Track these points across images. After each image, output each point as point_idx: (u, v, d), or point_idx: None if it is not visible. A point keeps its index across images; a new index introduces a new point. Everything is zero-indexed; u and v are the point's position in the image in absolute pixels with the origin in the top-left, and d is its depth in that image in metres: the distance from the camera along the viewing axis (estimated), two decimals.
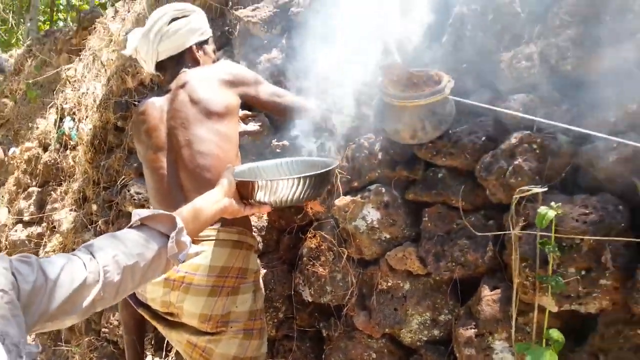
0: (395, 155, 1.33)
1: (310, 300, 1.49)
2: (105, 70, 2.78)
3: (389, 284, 1.33)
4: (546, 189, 0.98)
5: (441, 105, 1.20)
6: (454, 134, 1.23)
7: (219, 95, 1.37)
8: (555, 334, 0.95)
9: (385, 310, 1.31)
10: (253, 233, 1.53)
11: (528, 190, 0.97)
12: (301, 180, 1.04)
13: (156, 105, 1.44)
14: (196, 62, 1.47)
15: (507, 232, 1.05)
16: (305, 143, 1.50)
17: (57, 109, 3.33)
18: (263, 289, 1.49)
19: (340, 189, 1.40)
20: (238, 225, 1.32)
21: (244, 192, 1.04)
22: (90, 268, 0.72)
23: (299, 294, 1.53)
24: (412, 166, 1.32)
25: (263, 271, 1.63)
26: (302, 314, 1.54)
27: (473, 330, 1.15)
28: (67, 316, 0.69)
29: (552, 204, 0.94)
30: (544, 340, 0.97)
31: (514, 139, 1.12)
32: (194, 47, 1.47)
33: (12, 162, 3.42)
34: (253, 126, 1.77)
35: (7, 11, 16.14)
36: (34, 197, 3.10)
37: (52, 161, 3.04)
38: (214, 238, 1.29)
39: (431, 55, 1.35)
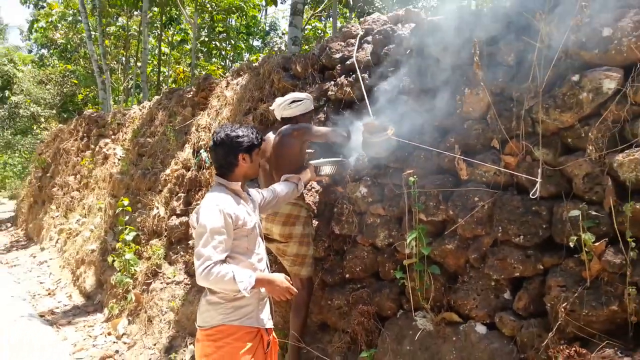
0: (371, 162, 2.97)
1: (338, 232, 3.13)
2: (228, 121, 4.67)
3: (371, 221, 2.94)
4: (412, 170, 2.57)
5: (387, 141, 2.80)
6: (396, 153, 2.84)
7: (289, 138, 3.02)
8: (421, 225, 2.51)
9: (369, 231, 2.92)
10: (307, 202, 3.23)
11: (410, 173, 2.56)
12: (334, 166, 2.89)
13: (270, 137, 3.17)
14: (297, 122, 3.15)
15: (406, 190, 2.63)
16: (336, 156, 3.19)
17: (192, 144, 5.33)
18: (311, 225, 3.15)
19: (349, 178, 3.06)
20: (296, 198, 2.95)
21: (315, 170, 2.84)
22: (265, 195, 2.52)
23: (333, 231, 3.18)
24: (379, 167, 2.94)
25: (316, 222, 3.31)
26: (334, 242, 3.19)
27: (402, 235, 2.72)
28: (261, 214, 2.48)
29: (415, 176, 2.52)
30: (419, 228, 2.52)
31: (414, 154, 2.72)
32: (299, 116, 3.14)
33: (167, 178, 5.44)
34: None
35: (115, 62, 19.64)
36: (182, 199, 5.06)
37: (193, 177, 4.98)
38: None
39: (395, 118, 2.99)
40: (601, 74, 2.02)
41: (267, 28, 20.38)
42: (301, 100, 3.09)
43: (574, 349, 1.81)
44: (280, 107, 3.10)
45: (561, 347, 1.84)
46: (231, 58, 18.10)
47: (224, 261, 2.07)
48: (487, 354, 2.20)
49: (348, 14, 14.08)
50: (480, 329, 2.28)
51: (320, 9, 14.55)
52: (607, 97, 2.02)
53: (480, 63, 2.49)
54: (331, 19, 13.29)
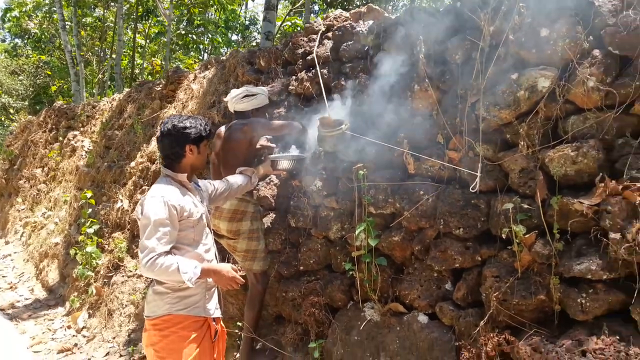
0: (326, 157, 3.00)
1: (294, 225, 3.16)
2: (192, 114, 4.64)
3: (325, 214, 2.97)
4: (361, 164, 2.61)
5: (342, 136, 2.84)
6: (350, 147, 2.88)
7: (238, 133, 3.02)
8: (370, 218, 2.56)
9: (323, 224, 2.96)
10: (265, 195, 3.25)
11: (359, 167, 2.60)
12: (292, 161, 2.85)
13: (221, 130, 3.16)
14: (249, 117, 3.16)
15: (356, 184, 2.67)
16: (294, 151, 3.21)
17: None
18: (259, 220, 3.14)
19: (306, 172, 3.08)
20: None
21: (273, 164, 2.82)
22: (217, 185, 2.51)
23: (289, 224, 3.20)
24: (335, 161, 2.98)
25: (273, 215, 3.33)
26: (291, 234, 3.22)
27: (353, 228, 2.77)
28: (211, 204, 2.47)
29: (365, 170, 2.57)
30: (367, 221, 2.56)
31: (367, 149, 2.76)
32: (252, 110, 3.16)
33: (131, 171, 5.38)
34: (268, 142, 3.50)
35: (91, 54, 19.23)
36: (145, 192, 5.00)
37: (157, 170, 4.93)
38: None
39: (350, 113, 3.03)
40: (537, 73, 2.10)
41: (247, 22, 20.21)
42: (254, 95, 3.09)
43: (503, 336, 1.88)
44: (234, 100, 3.09)
45: (491, 335, 1.91)
46: (209, 52, 17.91)
47: (168, 252, 2.07)
48: (427, 343, 2.27)
49: (328, 11, 14.11)
50: (422, 318, 2.35)
51: (299, 4, 14.54)
52: (542, 95, 2.09)
53: (429, 61, 2.55)
54: (312, 15, 13.29)
